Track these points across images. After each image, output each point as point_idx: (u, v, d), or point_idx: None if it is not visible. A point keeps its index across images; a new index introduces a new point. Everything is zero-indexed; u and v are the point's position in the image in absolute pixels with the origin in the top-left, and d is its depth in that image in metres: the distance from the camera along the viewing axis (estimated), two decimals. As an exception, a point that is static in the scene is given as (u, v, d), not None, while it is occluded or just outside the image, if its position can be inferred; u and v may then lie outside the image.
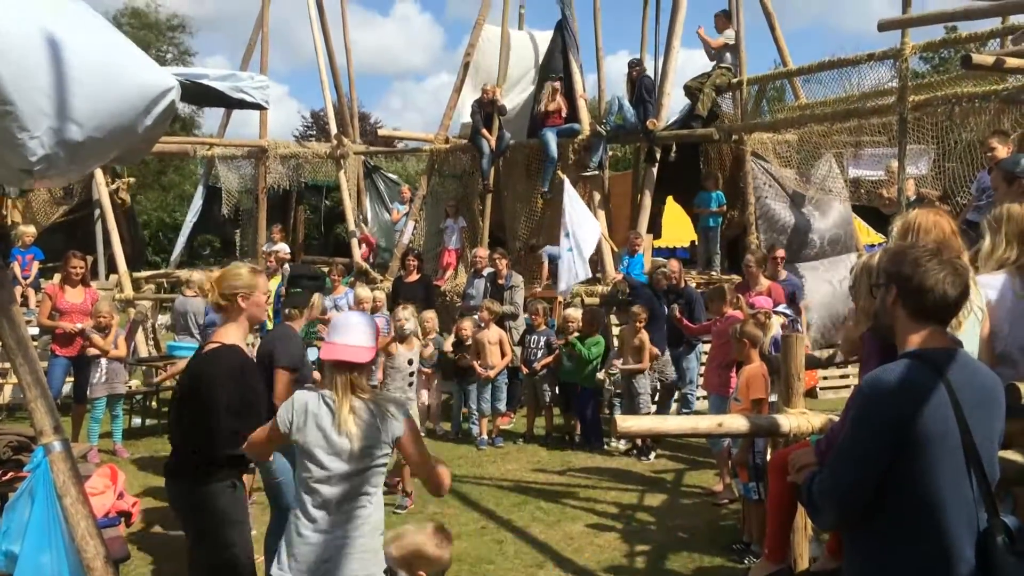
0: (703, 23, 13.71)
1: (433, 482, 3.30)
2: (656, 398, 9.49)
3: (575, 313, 9.75)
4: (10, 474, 4.82)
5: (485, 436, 9.37)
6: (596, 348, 9.30)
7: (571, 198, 11.40)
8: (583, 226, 11.29)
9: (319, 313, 5.89)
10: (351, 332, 3.20)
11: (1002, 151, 6.43)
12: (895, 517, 2.37)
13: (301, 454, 3.17)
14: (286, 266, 12.81)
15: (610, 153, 13.66)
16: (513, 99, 14.42)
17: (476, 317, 9.95)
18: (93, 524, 3.27)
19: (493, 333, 9.61)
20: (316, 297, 5.75)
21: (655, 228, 13.55)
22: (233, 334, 3.78)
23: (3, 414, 10.25)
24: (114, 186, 14.85)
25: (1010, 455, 2.99)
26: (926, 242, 3.19)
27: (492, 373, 9.43)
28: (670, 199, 14.51)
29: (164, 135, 3.91)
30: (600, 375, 9.41)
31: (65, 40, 2.86)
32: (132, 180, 16.42)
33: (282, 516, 4.58)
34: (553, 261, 12.01)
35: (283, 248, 13.81)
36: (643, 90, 12.42)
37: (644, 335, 9.07)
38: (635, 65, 13.24)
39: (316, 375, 5.95)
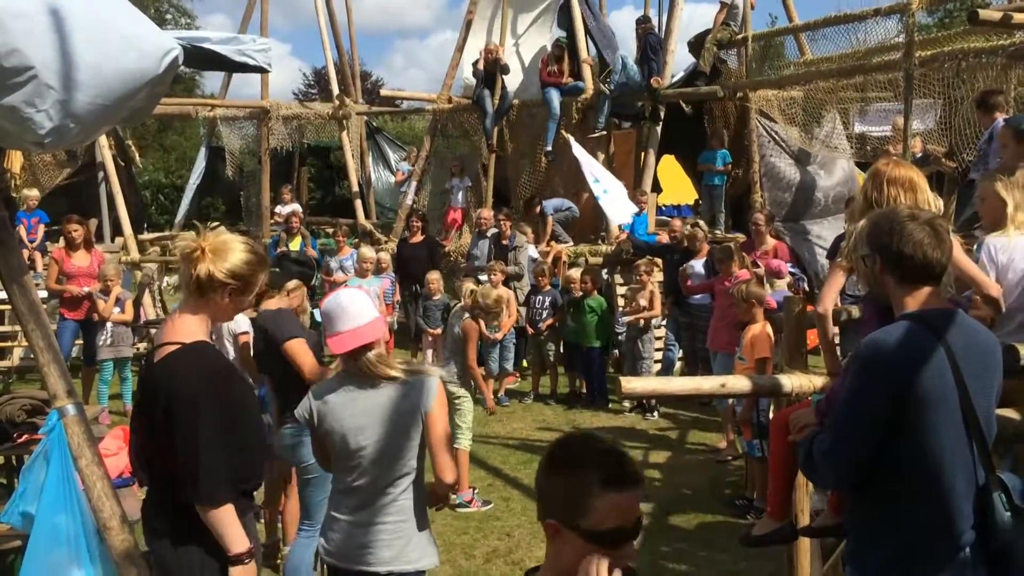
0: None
1: (438, 467, 3.05)
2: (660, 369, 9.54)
3: (575, 273, 9.78)
4: (25, 436, 4.91)
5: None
6: (595, 302, 9.33)
7: (581, 153, 11.36)
8: (605, 172, 11.27)
9: (306, 302, 5.29)
10: (347, 316, 3.04)
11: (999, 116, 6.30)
12: (895, 476, 2.41)
13: (330, 442, 3.12)
14: (303, 228, 12.75)
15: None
16: (524, 53, 14.25)
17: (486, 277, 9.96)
18: (108, 485, 3.31)
19: (500, 294, 9.61)
20: (292, 283, 5.10)
21: (655, 185, 13.48)
22: (195, 329, 2.81)
23: (13, 376, 10.36)
24: (128, 141, 14.78)
25: (1009, 413, 3.02)
26: (893, 197, 3.21)
27: (499, 336, 9.47)
28: (671, 157, 14.42)
29: (165, 96, 3.87)
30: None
31: (65, 8, 2.84)
32: (131, 143, 16.33)
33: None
34: (558, 212, 11.98)
35: (298, 208, 13.75)
36: (648, 48, 12.32)
37: (652, 287, 9.09)
38: (643, 22, 13.11)
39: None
